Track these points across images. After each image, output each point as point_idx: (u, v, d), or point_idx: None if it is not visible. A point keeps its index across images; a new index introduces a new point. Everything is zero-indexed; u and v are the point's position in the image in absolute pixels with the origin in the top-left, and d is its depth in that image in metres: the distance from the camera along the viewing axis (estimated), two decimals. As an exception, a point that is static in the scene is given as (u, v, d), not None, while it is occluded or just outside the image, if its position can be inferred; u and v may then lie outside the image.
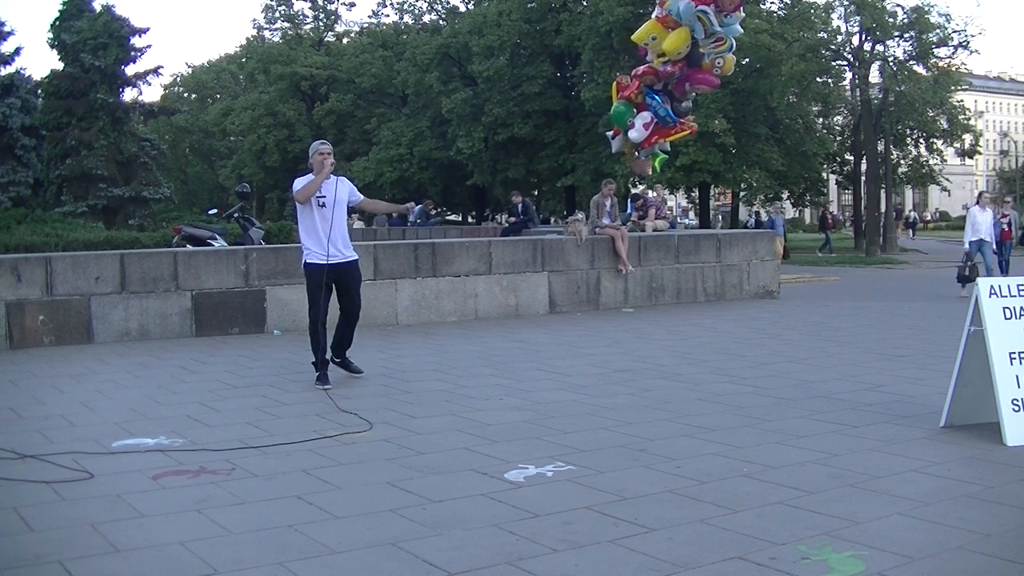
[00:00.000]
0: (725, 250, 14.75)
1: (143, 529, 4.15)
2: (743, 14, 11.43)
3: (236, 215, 16.97)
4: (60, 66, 25.47)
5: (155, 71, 28.01)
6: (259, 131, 50.16)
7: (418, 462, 5.24)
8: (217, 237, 15.60)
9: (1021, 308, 5.63)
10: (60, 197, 24.38)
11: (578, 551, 3.83)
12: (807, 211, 64.24)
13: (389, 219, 36.37)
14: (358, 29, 55.69)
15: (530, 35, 37.99)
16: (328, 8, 55.07)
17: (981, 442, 5.47)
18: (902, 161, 41.74)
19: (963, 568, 3.61)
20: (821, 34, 36.27)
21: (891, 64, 36.05)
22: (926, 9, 34.67)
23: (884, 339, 10.34)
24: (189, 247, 13.73)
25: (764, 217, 54.94)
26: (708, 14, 10.61)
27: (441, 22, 48.57)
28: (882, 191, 38.09)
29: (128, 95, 27.71)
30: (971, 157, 47.83)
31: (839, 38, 37.24)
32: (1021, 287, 5.70)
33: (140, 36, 26.02)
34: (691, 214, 52.96)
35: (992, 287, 5.66)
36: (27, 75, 27.38)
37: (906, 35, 35.68)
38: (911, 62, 36.25)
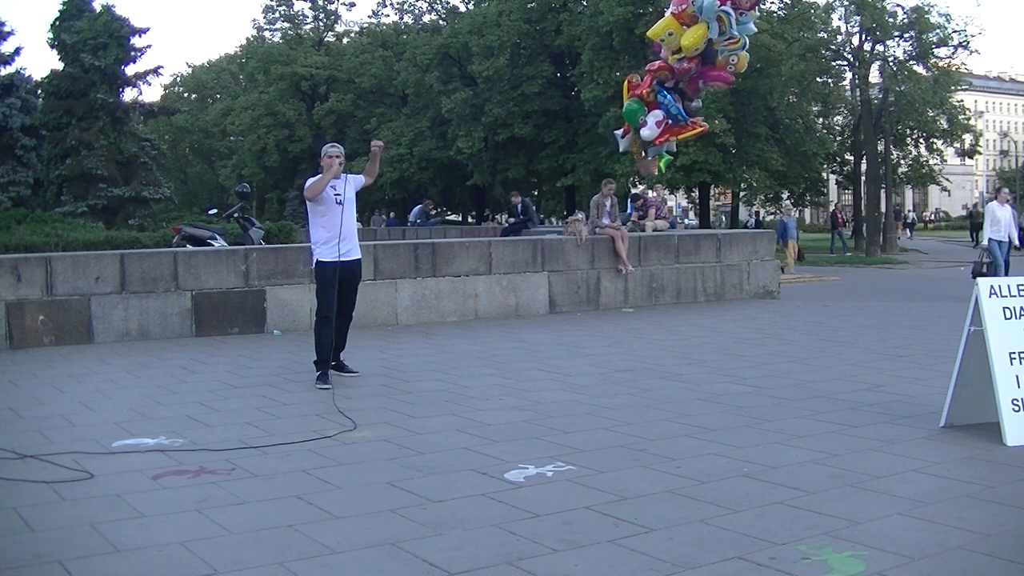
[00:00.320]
0: (725, 250, 14.75)
1: (143, 529, 4.15)
2: (757, 13, 11.43)
3: (236, 215, 16.97)
4: (60, 66, 25.45)
5: (155, 71, 27.97)
6: (259, 131, 50.14)
7: (418, 462, 5.24)
8: (217, 237, 15.60)
9: (1021, 308, 5.63)
10: (60, 197, 24.36)
11: (578, 551, 3.83)
12: (807, 211, 64.24)
13: (387, 219, 36.43)
14: (358, 29, 55.69)
15: (530, 35, 37.98)
16: (328, 8, 55.04)
17: (981, 442, 5.47)
18: (902, 161, 41.74)
19: (963, 568, 3.61)
20: (821, 34, 36.27)
21: (891, 64, 36.05)
22: (926, 9, 34.68)
23: (884, 339, 10.34)
24: (189, 247, 13.73)
25: (764, 217, 55.00)
26: (730, 15, 10.61)
27: (441, 22, 48.55)
28: (882, 191, 38.07)
29: (128, 95, 27.69)
30: (971, 157, 47.84)
31: (839, 38, 37.25)
32: (1021, 287, 5.70)
33: (140, 36, 26.00)
34: (691, 214, 53.03)
35: (992, 287, 5.66)
36: (27, 75, 27.36)
37: (906, 35, 35.67)
38: (911, 62, 36.24)
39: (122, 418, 6.43)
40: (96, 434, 5.94)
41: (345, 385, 7.57)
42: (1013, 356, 5.52)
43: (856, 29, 36.31)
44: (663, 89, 11.37)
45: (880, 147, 37.34)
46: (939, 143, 39.93)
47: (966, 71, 41.05)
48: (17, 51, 27.58)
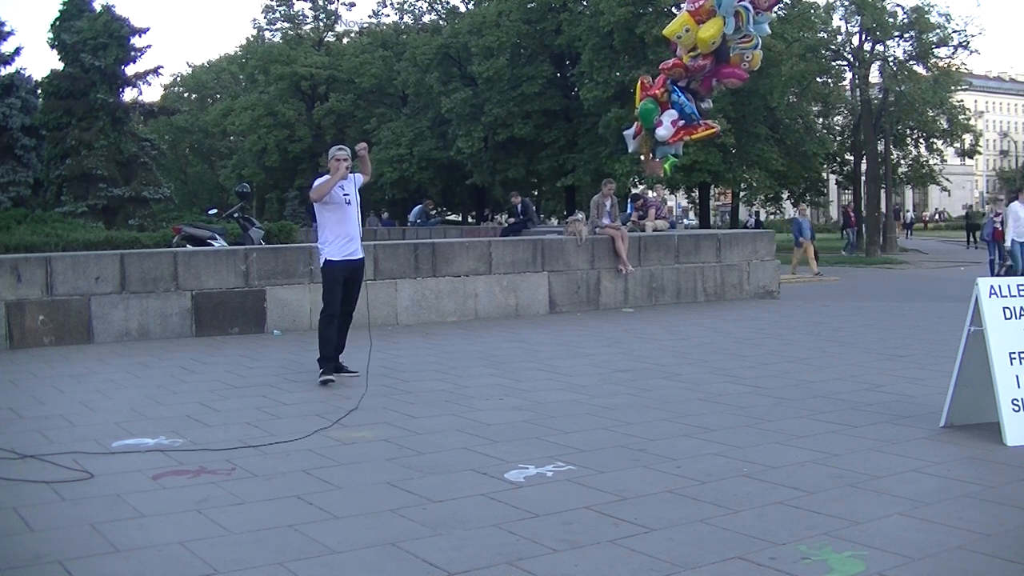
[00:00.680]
0: (725, 250, 14.75)
1: (143, 529, 4.15)
2: (773, 15, 11.39)
3: (236, 215, 16.96)
4: (60, 66, 25.44)
5: (155, 71, 27.96)
6: (259, 131, 50.13)
7: (418, 462, 5.24)
8: (217, 237, 15.60)
9: (1021, 308, 5.63)
10: (60, 197, 24.36)
11: (578, 551, 3.83)
12: (807, 211, 64.18)
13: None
14: (358, 29, 55.69)
15: (530, 35, 37.96)
16: (328, 8, 55.05)
17: (981, 442, 5.47)
18: (902, 161, 41.73)
19: (963, 568, 3.61)
20: (821, 34, 36.27)
21: (891, 64, 36.04)
22: (926, 9, 34.67)
23: (884, 339, 10.33)
24: (189, 247, 13.72)
25: (765, 217, 54.98)
26: (749, 10, 10.58)
27: (441, 22, 48.55)
28: (882, 191, 38.07)
29: (128, 95, 27.67)
30: (971, 157, 47.83)
31: (839, 38, 37.25)
32: (1021, 287, 5.70)
33: (140, 36, 25.99)
34: (691, 214, 53.03)
35: (992, 287, 5.66)
36: (27, 75, 27.35)
37: (906, 35, 35.66)
38: (911, 62, 36.23)
39: (122, 418, 6.43)
40: (96, 434, 5.94)
41: (345, 385, 7.57)
42: (1013, 356, 5.52)
43: (856, 29, 36.31)
44: (677, 88, 11.33)
45: (880, 147, 37.33)
46: (939, 143, 39.91)
47: (966, 71, 41.04)
48: (17, 51, 27.57)
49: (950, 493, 4.56)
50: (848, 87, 40.32)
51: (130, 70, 26.23)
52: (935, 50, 35.73)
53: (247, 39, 62.51)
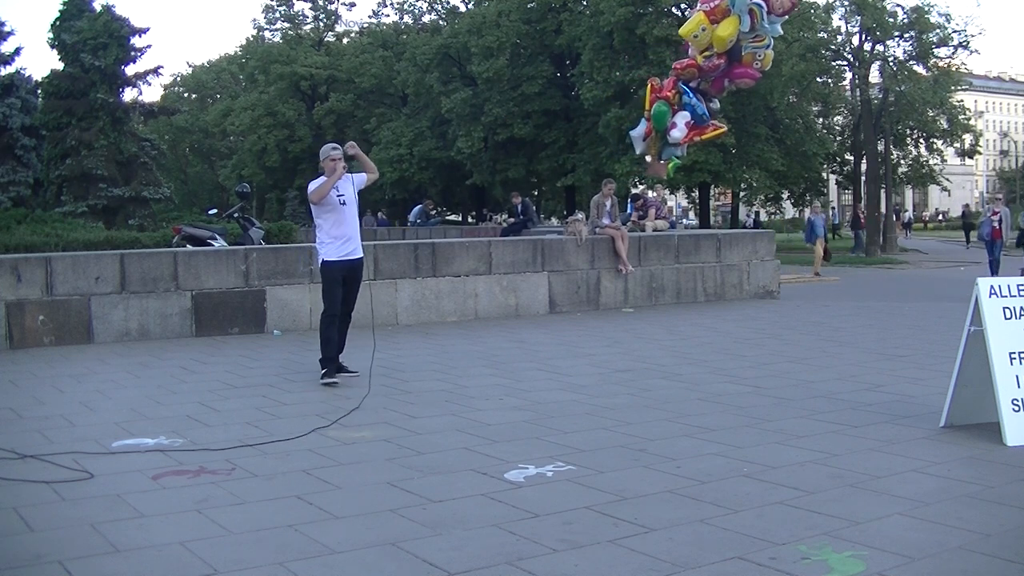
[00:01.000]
0: (725, 250, 14.74)
1: (143, 529, 4.15)
2: (786, 16, 11.39)
3: (236, 215, 16.96)
4: (60, 66, 25.44)
5: (155, 71, 27.96)
6: (259, 131, 50.14)
7: (418, 462, 5.24)
8: (217, 237, 15.59)
9: (1021, 308, 5.63)
10: (60, 197, 24.36)
11: (578, 551, 3.83)
12: (807, 211, 64.18)
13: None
14: (358, 29, 55.70)
15: (530, 35, 37.97)
16: (328, 8, 55.06)
17: (981, 442, 5.47)
18: (902, 161, 41.74)
19: (963, 568, 3.61)
20: (821, 34, 36.26)
21: (891, 64, 36.05)
22: (926, 9, 34.68)
23: (884, 339, 10.33)
24: (189, 247, 13.72)
25: (764, 217, 54.94)
26: (762, 7, 10.58)
27: (441, 22, 48.56)
28: (882, 191, 38.07)
29: (128, 95, 27.68)
30: (971, 157, 47.84)
31: (839, 38, 37.24)
32: (1021, 287, 5.70)
33: (140, 36, 25.99)
34: (691, 214, 53.04)
35: (992, 287, 5.66)
36: (27, 75, 27.35)
37: (906, 35, 35.67)
38: (911, 62, 36.24)
39: (122, 418, 6.43)
40: (96, 434, 5.94)
41: (345, 385, 7.57)
42: (1013, 356, 5.52)
43: (856, 29, 36.32)
44: (688, 89, 11.32)
45: (880, 147, 37.33)
46: (939, 143, 39.93)
47: (966, 71, 41.04)
48: (17, 51, 27.58)
49: (950, 493, 4.56)
50: (848, 87, 40.34)
51: (130, 70, 26.24)
52: (935, 50, 35.73)
53: (247, 39, 62.58)
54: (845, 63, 37.77)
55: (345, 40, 55.02)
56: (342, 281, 7.73)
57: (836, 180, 48.72)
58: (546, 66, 38.06)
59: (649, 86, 11.86)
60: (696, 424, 6.11)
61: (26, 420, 6.43)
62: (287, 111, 50.11)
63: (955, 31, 35.44)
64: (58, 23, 25.72)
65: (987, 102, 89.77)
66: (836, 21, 37.13)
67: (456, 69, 42.03)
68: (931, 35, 35.08)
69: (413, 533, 4.05)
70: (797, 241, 46.36)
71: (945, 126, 38.32)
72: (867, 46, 36.13)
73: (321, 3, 54.71)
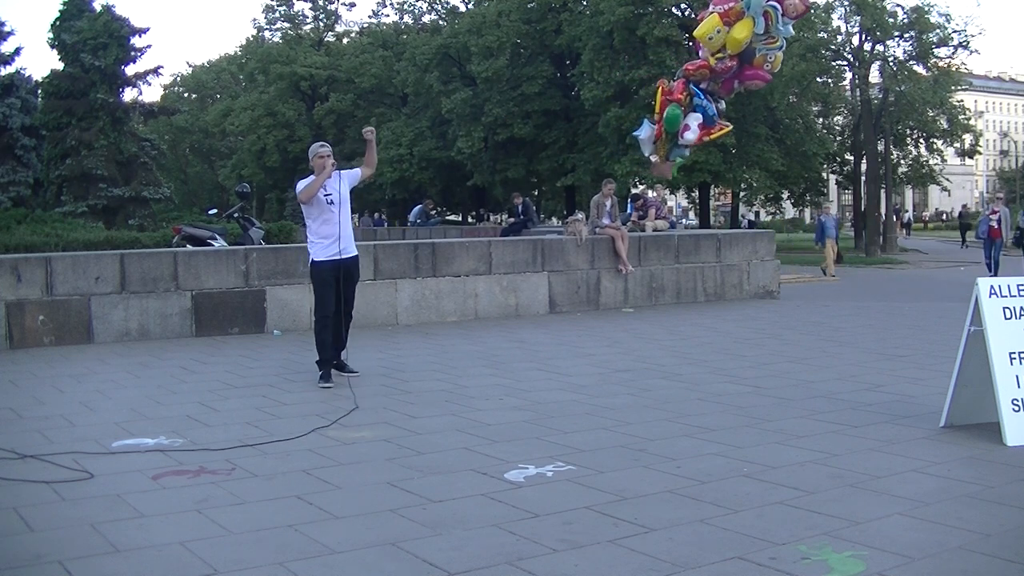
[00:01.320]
0: (725, 250, 14.74)
1: (143, 529, 4.15)
2: (792, 20, 11.38)
3: (236, 215, 16.97)
4: (60, 66, 25.45)
5: (155, 71, 27.98)
6: (259, 131, 50.15)
7: (418, 462, 5.24)
8: (217, 237, 15.60)
9: (1021, 308, 5.63)
10: (60, 197, 24.37)
11: (578, 551, 3.83)
12: (807, 211, 64.21)
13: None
14: (358, 29, 55.70)
15: (530, 35, 37.95)
16: (328, 8, 55.06)
17: (981, 442, 5.47)
18: (902, 161, 41.72)
19: (963, 568, 3.61)
20: (821, 34, 36.24)
21: (891, 64, 36.04)
22: (926, 9, 34.67)
23: (884, 339, 10.33)
24: (189, 247, 13.73)
25: (764, 217, 54.88)
26: (777, 9, 10.58)
27: (441, 22, 48.54)
28: (882, 191, 38.06)
29: (128, 95, 27.69)
30: (971, 157, 47.84)
31: (839, 38, 37.22)
32: (1021, 287, 5.70)
33: (140, 36, 26.01)
34: (691, 214, 53.04)
35: (992, 287, 5.65)
36: (27, 75, 27.37)
37: (906, 35, 35.67)
38: (911, 62, 36.23)
39: (122, 418, 6.43)
40: (96, 434, 5.94)
41: (345, 385, 7.56)
42: (1013, 356, 5.51)
43: (856, 29, 36.31)
44: (699, 91, 11.31)
45: (880, 147, 37.32)
46: (939, 143, 39.91)
47: (966, 71, 41.04)
48: (17, 51, 27.59)
49: (950, 493, 4.56)
50: (848, 87, 40.32)
51: (130, 70, 26.26)
52: (935, 50, 35.73)
53: (247, 39, 62.58)
54: (845, 63, 37.77)
55: (345, 40, 55.02)
56: (333, 282, 7.58)
57: (836, 180, 48.71)
58: (546, 66, 38.06)
59: (659, 89, 11.82)
60: (696, 424, 6.11)
61: (26, 420, 6.43)
62: (287, 111, 50.11)
63: (955, 31, 35.48)
64: (58, 23, 25.73)
65: (987, 102, 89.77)
66: (836, 21, 37.15)
67: (456, 69, 42.02)
68: (931, 35, 35.08)
69: (413, 533, 4.05)
70: (797, 241, 46.43)
71: (945, 126, 38.31)
72: (867, 46, 36.13)
73: (321, 3, 54.71)
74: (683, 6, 34.22)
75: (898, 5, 35.47)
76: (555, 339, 10.47)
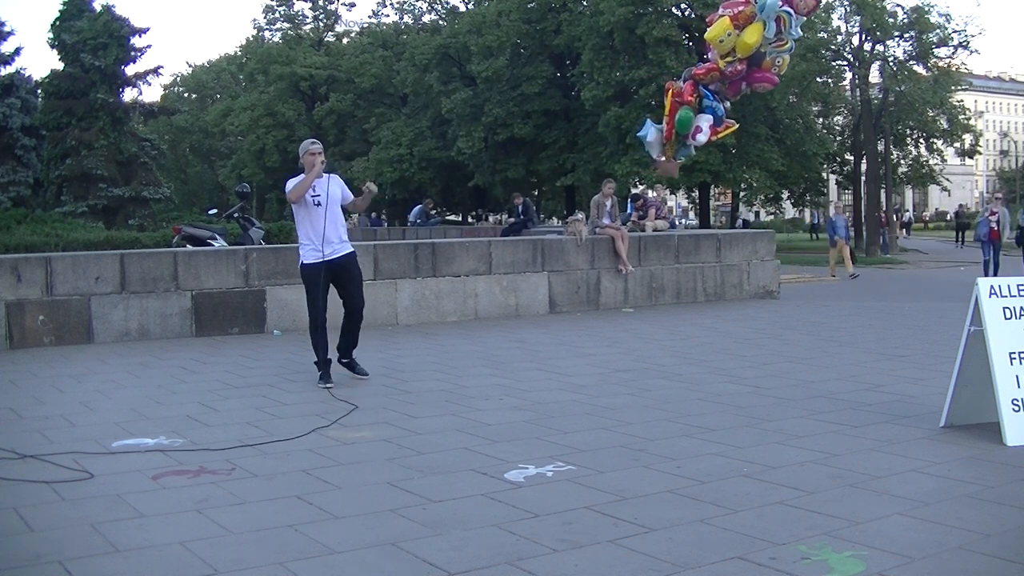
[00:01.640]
0: (725, 250, 14.75)
1: (143, 529, 4.15)
2: (804, 18, 11.36)
3: (236, 215, 16.97)
4: (60, 66, 25.48)
5: (155, 71, 28.04)
6: (259, 131, 50.16)
7: (418, 462, 5.24)
8: (217, 237, 15.61)
9: (1021, 308, 5.63)
10: (60, 197, 24.39)
11: (578, 551, 3.83)
12: (807, 211, 64.21)
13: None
14: (358, 29, 55.71)
15: (530, 35, 37.95)
16: (328, 8, 55.07)
17: (981, 442, 5.47)
18: (902, 161, 41.72)
19: (963, 568, 3.61)
20: (821, 34, 36.22)
21: (891, 64, 36.03)
22: (926, 9, 34.65)
23: (884, 339, 10.33)
24: (189, 247, 13.73)
25: (763, 217, 54.85)
26: (791, 15, 10.56)
27: (441, 22, 48.53)
28: (882, 191, 38.05)
29: (128, 95, 27.75)
30: (971, 157, 47.83)
31: (839, 38, 37.20)
32: (1021, 287, 5.69)
33: (140, 36, 26.05)
34: (691, 214, 53.04)
35: (992, 287, 5.65)
36: (27, 75, 27.41)
37: (906, 35, 35.64)
38: (911, 62, 36.21)
39: (122, 418, 6.43)
40: (96, 434, 5.93)
41: (347, 385, 7.57)
42: (1013, 356, 5.51)
43: (856, 29, 36.29)
44: (708, 92, 11.31)
45: (880, 147, 37.32)
46: (939, 143, 39.90)
47: (966, 71, 41.01)
48: (17, 51, 27.64)
49: (950, 493, 4.56)
50: (848, 87, 40.31)
51: (130, 70, 26.30)
52: (935, 50, 35.70)
53: (247, 39, 62.58)
54: (845, 63, 37.75)
55: (345, 40, 55.03)
56: (329, 281, 7.52)
57: (836, 180, 48.70)
58: (546, 66, 38.05)
59: (669, 91, 11.80)
60: (696, 424, 6.11)
61: (26, 420, 6.43)
62: (287, 111, 50.12)
63: (955, 31, 35.44)
64: (58, 23, 25.76)
65: (987, 102, 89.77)
66: (836, 21, 37.13)
67: (456, 69, 42.02)
68: (931, 35, 35.06)
69: (413, 533, 4.05)
70: (797, 241, 46.42)
71: (945, 126, 38.29)
72: (867, 46, 36.10)
73: (321, 3, 54.73)
74: (683, 6, 34.22)
75: (898, 5, 35.48)
76: (555, 339, 10.47)
